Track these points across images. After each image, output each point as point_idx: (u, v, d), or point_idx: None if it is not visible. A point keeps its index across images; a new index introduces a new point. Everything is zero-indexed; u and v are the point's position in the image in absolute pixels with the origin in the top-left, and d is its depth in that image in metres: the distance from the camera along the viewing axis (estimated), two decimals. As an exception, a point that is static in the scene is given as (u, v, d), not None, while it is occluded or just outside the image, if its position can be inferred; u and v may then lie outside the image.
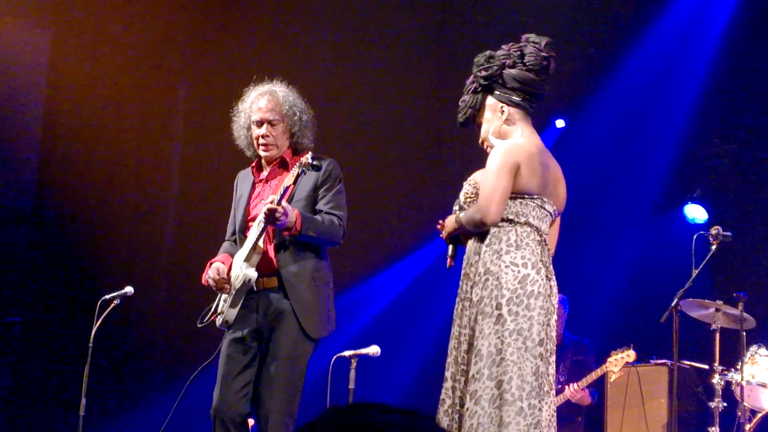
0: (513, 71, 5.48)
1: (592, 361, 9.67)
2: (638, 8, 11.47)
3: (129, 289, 7.77)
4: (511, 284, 5.17)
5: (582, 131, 11.62)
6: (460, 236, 5.52)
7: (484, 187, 5.30)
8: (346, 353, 7.70)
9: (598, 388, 9.55)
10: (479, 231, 5.35)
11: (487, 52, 5.56)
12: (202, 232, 10.85)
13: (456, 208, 5.58)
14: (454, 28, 12.00)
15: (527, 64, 5.45)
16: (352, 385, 7.61)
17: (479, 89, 5.56)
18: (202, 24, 11.31)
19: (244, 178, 6.36)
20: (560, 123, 11.67)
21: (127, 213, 11.06)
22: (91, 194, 10.77)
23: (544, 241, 5.37)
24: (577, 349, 9.75)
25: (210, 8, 11.39)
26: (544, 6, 11.42)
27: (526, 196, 5.32)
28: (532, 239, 5.30)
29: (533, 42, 5.51)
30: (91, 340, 7.58)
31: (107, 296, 7.73)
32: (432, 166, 11.69)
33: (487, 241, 5.30)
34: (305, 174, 5.86)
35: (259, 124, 6.13)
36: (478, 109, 5.58)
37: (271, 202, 5.72)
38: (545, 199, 5.39)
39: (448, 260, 5.60)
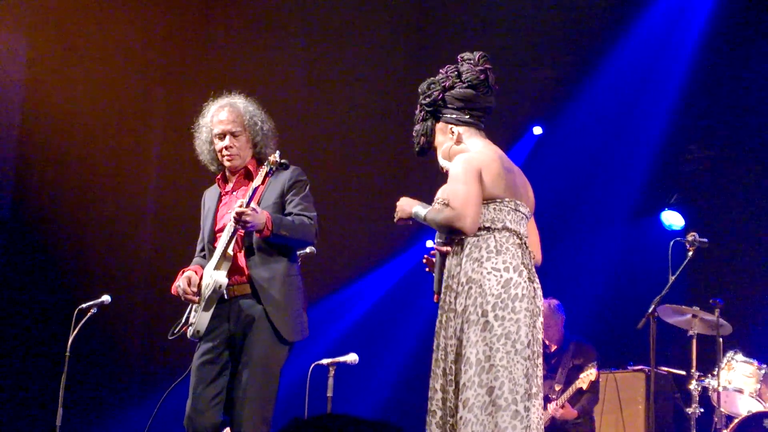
0: (454, 91, 5.53)
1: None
2: (615, 15, 11.49)
3: (106, 298, 7.73)
4: (495, 289, 5.17)
5: (559, 138, 11.64)
6: (444, 261, 5.51)
7: (455, 195, 5.29)
8: (324, 361, 7.69)
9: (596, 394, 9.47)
10: (451, 236, 5.35)
11: (428, 80, 5.63)
12: (181, 240, 10.78)
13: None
14: (429, 36, 12.00)
15: (465, 81, 5.50)
16: (330, 393, 7.60)
17: (427, 116, 5.61)
18: (180, 27, 11.28)
19: (210, 194, 6.36)
20: (538, 130, 11.70)
21: (104, 221, 11.01)
22: (68, 201, 10.72)
23: (524, 243, 5.38)
24: (577, 353, 9.65)
25: (187, 12, 11.36)
26: (521, 14, 11.45)
27: (497, 201, 5.33)
28: (512, 243, 5.31)
29: (467, 59, 5.55)
30: (68, 348, 7.54)
31: (84, 305, 7.68)
32: (411, 174, 11.67)
33: (467, 251, 5.30)
34: (273, 173, 5.85)
35: (222, 136, 6.12)
36: (430, 136, 5.62)
37: (240, 206, 5.72)
38: (518, 202, 5.40)
39: (435, 296, 5.58)
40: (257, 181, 5.84)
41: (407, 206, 5.56)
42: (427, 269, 5.61)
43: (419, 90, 5.64)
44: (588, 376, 9.06)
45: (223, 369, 5.95)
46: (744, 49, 10.97)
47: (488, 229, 5.30)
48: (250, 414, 5.77)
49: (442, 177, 5.58)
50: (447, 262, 5.43)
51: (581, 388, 9.13)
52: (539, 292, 5.38)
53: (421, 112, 5.63)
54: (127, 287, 10.80)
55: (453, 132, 5.54)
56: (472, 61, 5.53)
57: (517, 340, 5.14)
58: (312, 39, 11.81)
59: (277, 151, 5.84)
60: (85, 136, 10.85)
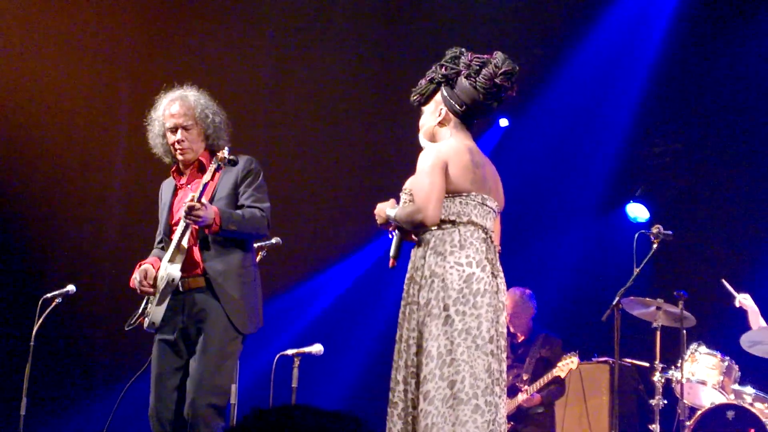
0: (465, 83, 5.48)
1: (558, 359, 9.67)
2: (581, 8, 11.53)
3: (71, 288, 7.71)
4: (457, 284, 5.17)
5: (525, 130, 11.67)
6: (404, 233, 5.53)
7: (418, 189, 5.30)
8: (289, 352, 7.70)
9: (562, 384, 9.52)
10: (416, 230, 5.36)
11: (457, 50, 5.55)
12: (146, 230, 10.73)
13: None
14: (396, 29, 11.99)
15: (478, 83, 5.46)
16: (295, 384, 7.61)
17: (434, 81, 5.58)
18: (147, 19, 11.22)
19: (167, 186, 6.35)
20: (504, 122, 11.72)
21: (69, 210, 10.95)
22: (33, 192, 10.67)
23: (490, 238, 5.38)
24: (545, 344, 9.70)
25: (154, 5, 11.31)
26: (488, 7, 11.47)
27: (464, 195, 5.33)
28: (476, 237, 5.31)
29: (495, 64, 5.48)
30: (33, 338, 7.52)
31: (49, 295, 7.66)
32: (375, 167, 11.68)
33: (431, 245, 5.31)
34: (222, 169, 5.85)
35: (174, 130, 6.11)
36: (426, 98, 5.61)
37: (191, 200, 5.71)
38: (485, 196, 5.40)
39: (391, 260, 5.60)
40: (207, 176, 5.83)
41: (381, 212, 5.56)
42: (390, 235, 5.63)
43: (446, 52, 5.57)
44: (568, 364, 9.07)
45: (181, 361, 5.95)
46: (708, 44, 11.03)
47: (453, 222, 5.31)
48: (203, 405, 5.76)
49: (411, 168, 5.58)
50: (412, 254, 5.44)
51: (558, 376, 9.16)
52: (503, 287, 5.38)
53: (433, 73, 5.58)
54: (93, 277, 10.75)
55: (441, 112, 5.55)
56: (495, 70, 5.47)
57: (478, 335, 5.14)
58: (281, 32, 11.79)
59: (226, 147, 5.85)
60: (49, 128, 10.79)
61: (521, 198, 10.98)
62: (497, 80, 5.43)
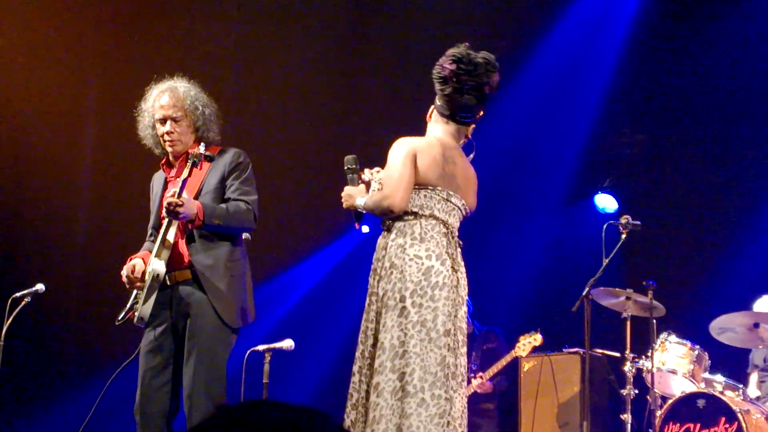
0: (449, 90, 5.51)
1: (503, 349, 9.78)
2: (548, 0, 11.56)
3: (40, 287, 7.66)
4: (415, 276, 5.19)
5: (493, 122, 11.66)
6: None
7: (388, 177, 5.34)
8: (260, 347, 7.70)
9: (510, 376, 9.65)
10: (386, 218, 5.38)
11: (459, 53, 5.50)
12: (115, 227, 10.74)
13: (347, 167, 5.69)
14: (367, 23, 11.98)
15: (434, 77, 5.51)
16: (266, 380, 7.60)
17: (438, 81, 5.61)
18: (113, 10, 11.17)
19: (157, 179, 6.32)
20: (472, 114, 11.73)
21: (38, 208, 10.89)
22: (1, 189, 10.61)
23: (452, 233, 5.41)
24: (488, 338, 9.84)
25: (121, 1, 11.26)
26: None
27: (429, 188, 5.36)
28: (437, 231, 5.33)
29: (444, 56, 5.52)
30: (2, 338, 7.48)
31: (18, 294, 7.62)
32: (343, 162, 11.66)
33: (392, 236, 5.34)
34: (197, 165, 5.83)
35: (163, 121, 6.09)
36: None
37: (172, 195, 5.70)
38: (451, 192, 5.42)
39: (356, 224, 5.65)
40: (185, 173, 5.81)
41: (349, 197, 5.57)
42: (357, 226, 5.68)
43: (457, 54, 5.52)
44: (531, 342, 9.13)
45: (170, 356, 5.93)
46: (675, 34, 11.07)
47: (415, 214, 5.34)
48: (201, 401, 5.75)
49: (381, 164, 5.60)
50: (377, 245, 5.46)
51: (519, 356, 9.24)
52: (463, 282, 5.39)
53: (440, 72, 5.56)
54: (62, 276, 10.70)
55: (430, 109, 5.66)
56: (441, 61, 5.50)
57: (432, 328, 5.16)
58: (248, 22, 11.74)
59: (202, 144, 5.84)
60: (17, 123, 10.72)
61: (490, 190, 10.99)
62: (446, 65, 5.47)
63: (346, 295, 11.16)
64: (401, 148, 5.37)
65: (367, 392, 5.24)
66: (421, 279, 5.19)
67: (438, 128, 5.59)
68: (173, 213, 5.72)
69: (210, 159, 5.88)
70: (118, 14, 11.19)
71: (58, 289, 9.86)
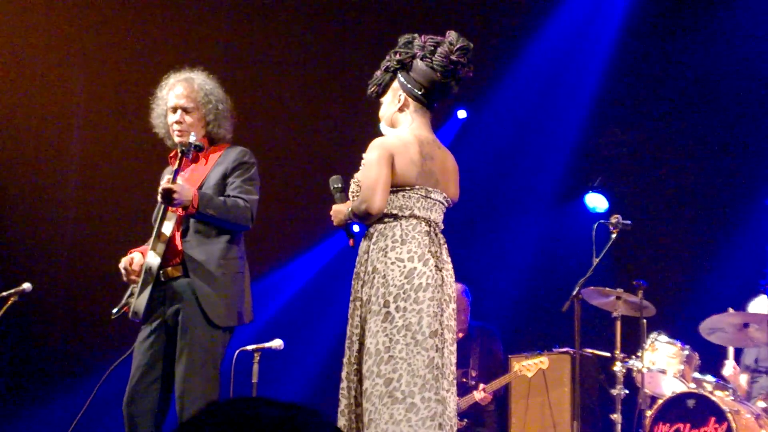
0: (421, 64, 5.45)
1: (499, 349, 9.74)
2: (538, -1, 11.57)
3: (27, 286, 7.60)
4: (398, 280, 5.15)
5: (483, 122, 11.69)
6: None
7: (365, 179, 5.28)
8: (249, 347, 7.66)
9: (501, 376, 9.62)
10: (367, 222, 5.33)
11: (410, 36, 5.51)
12: (102, 226, 10.71)
13: (333, 187, 5.65)
14: (362, 23, 11.95)
15: (434, 62, 5.43)
16: (255, 379, 7.57)
17: (390, 69, 5.55)
18: (102, 16, 11.12)
19: (167, 174, 6.21)
20: (462, 114, 11.73)
21: (24, 207, 10.85)
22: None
23: (434, 231, 5.36)
24: (484, 337, 9.77)
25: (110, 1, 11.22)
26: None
27: (407, 188, 5.31)
28: (418, 231, 5.28)
29: (449, 42, 5.46)
30: (-12, 338, 7.45)
31: (4, 293, 7.57)
32: (333, 161, 11.64)
33: (374, 240, 5.30)
34: (186, 154, 5.79)
35: (174, 110, 6.05)
36: (383, 89, 5.58)
37: (167, 182, 5.66)
38: (429, 189, 5.37)
39: (350, 241, 5.60)
40: (176, 164, 5.79)
41: (338, 212, 5.54)
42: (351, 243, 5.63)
43: (398, 40, 5.53)
44: (538, 364, 9.08)
45: (161, 354, 5.86)
46: (664, 34, 11.08)
47: (395, 216, 5.29)
48: (192, 401, 5.70)
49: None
50: (359, 249, 5.43)
51: (525, 375, 9.19)
52: (449, 279, 5.33)
53: (388, 61, 5.55)
54: (49, 275, 10.66)
55: (400, 98, 5.51)
56: (450, 48, 5.45)
57: (417, 331, 5.11)
58: (241, 20, 11.69)
59: (193, 133, 5.80)
60: (4, 123, 10.68)
61: (480, 189, 11.02)
62: (453, 57, 5.42)
63: (335, 295, 11.10)
64: (376, 151, 5.29)
65: (356, 398, 5.21)
66: (403, 282, 5.15)
67: (414, 120, 5.49)
68: (168, 198, 5.66)
69: (199, 149, 5.84)
70: (106, 14, 11.14)
71: (45, 288, 9.83)
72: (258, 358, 7.61)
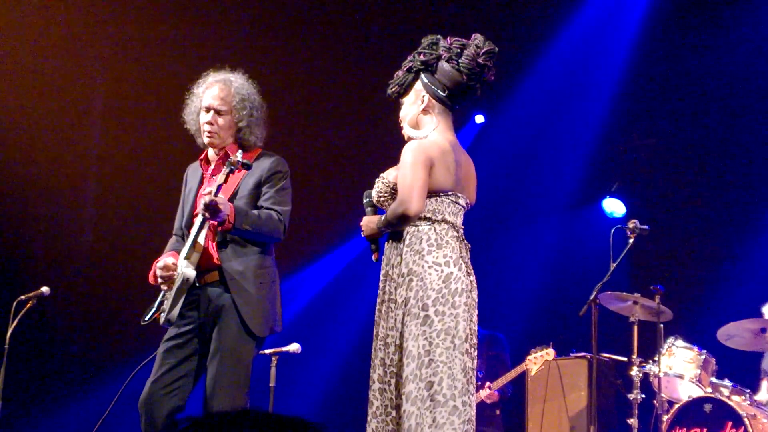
0: (447, 66, 5.45)
1: (506, 355, 9.77)
2: (556, 3, 11.53)
3: (45, 290, 7.65)
4: (436, 284, 5.15)
5: (501, 126, 11.67)
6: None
7: (402, 181, 5.25)
8: (267, 351, 7.67)
9: (515, 381, 9.63)
10: (403, 226, 5.31)
11: (434, 37, 5.51)
12: (121, 229, 10.73)
13: (366, 200, 5.59)
14: (378, 26, 11.95)
15: (460, 64, 5.43)
16: (272, 383, 7.59)
17: (413, 70, 5.55)
18: (121, 19, 11.14)
19: (193, 171, 6.20)
20: (480, 118, 11.73)
21: (43, 211, 10.89)
22: (5, 193, 10.59)
23: (462, 236, 5.37)
24: (491, 343, 9.83)
25: (128, 4, 11.24)
26: (462, 3, 11.47)
27: (441, 194, 5.32)
28: (450, 236, 5.29)
29: (476, 45, 5.47)
30: (7, 341, 7.48)
31: (23, 297, 7.61)
32: (353, 164, 11.65)
33: (407, 242, 5.28)
34: (235, 172, 5.75)
35: (207, 110, 5.99)
36: (405, 89, 5.57)
37: (209, 194, 5.61)
38: (459, 194, 5.38)
39: (374, 255, 5.58)
40: (220, 178, 5.68)
41: (368, 224, 5.53)
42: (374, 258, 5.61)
43: (422, 41, 5.54)
44: (543, 356, 9.10)
45: (189, 356, 5.83)
46: (683, 39, 11.05)
47: (428, 219, 5.29)
48: (223, 404, 5.69)
49: (388, 164, 5.56)
50: (386, 251, 5.42)
51: (529, 369, 9.22)
52: (475, 285, 5.37)
53: (411, 62, 5.55)
54: (67, 279, 10.69)
55: (423, 99, 5.49)
56: (477, 50, 5.46)
57: (455, 335, 5.13)
58: (258, 22, 11.69)
59: (239, 151, 5.68)
60: (24, 127, 10.71)
61: (498, 194, 11.01)
62: (480, 60, 5.42)
63: (353, 299, 11.15)
64: (417, 154, 5.26)
65: (391, 400, 5.21)
66: (441, 287, 5.15)
67: (438, 123, 5.48)
68: (213, 212, 5.62)
69: (247, 167, 5.73)
70: (124, 16, 11.16)
71: (63, 292, 9.87)
72: (275, 361, 7.63)
